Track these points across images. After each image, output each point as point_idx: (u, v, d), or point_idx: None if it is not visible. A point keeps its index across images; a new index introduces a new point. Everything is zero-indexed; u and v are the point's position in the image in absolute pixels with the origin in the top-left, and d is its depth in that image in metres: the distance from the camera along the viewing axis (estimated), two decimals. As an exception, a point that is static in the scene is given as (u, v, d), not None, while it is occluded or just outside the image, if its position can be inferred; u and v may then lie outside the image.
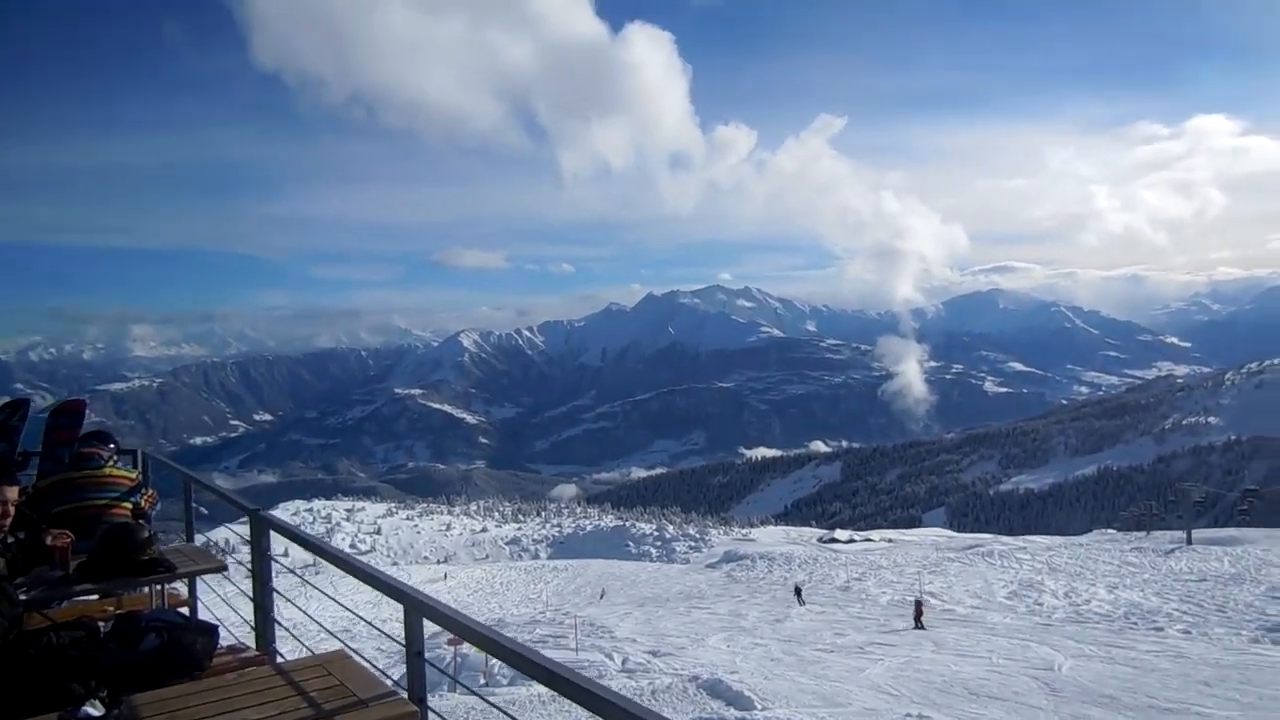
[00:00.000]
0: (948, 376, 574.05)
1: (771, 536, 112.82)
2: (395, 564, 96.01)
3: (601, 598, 54.40)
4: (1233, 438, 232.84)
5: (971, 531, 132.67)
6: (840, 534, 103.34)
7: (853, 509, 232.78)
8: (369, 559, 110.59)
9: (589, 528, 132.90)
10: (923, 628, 29.36)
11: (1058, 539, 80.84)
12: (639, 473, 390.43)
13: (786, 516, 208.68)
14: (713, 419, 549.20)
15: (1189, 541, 72.01)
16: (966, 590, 41.01)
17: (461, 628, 3.48)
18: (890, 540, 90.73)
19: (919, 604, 31.46)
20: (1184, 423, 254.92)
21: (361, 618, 7.07)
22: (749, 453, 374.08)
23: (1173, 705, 16.60)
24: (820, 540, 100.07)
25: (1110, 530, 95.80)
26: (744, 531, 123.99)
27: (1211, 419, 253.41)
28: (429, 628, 3.89)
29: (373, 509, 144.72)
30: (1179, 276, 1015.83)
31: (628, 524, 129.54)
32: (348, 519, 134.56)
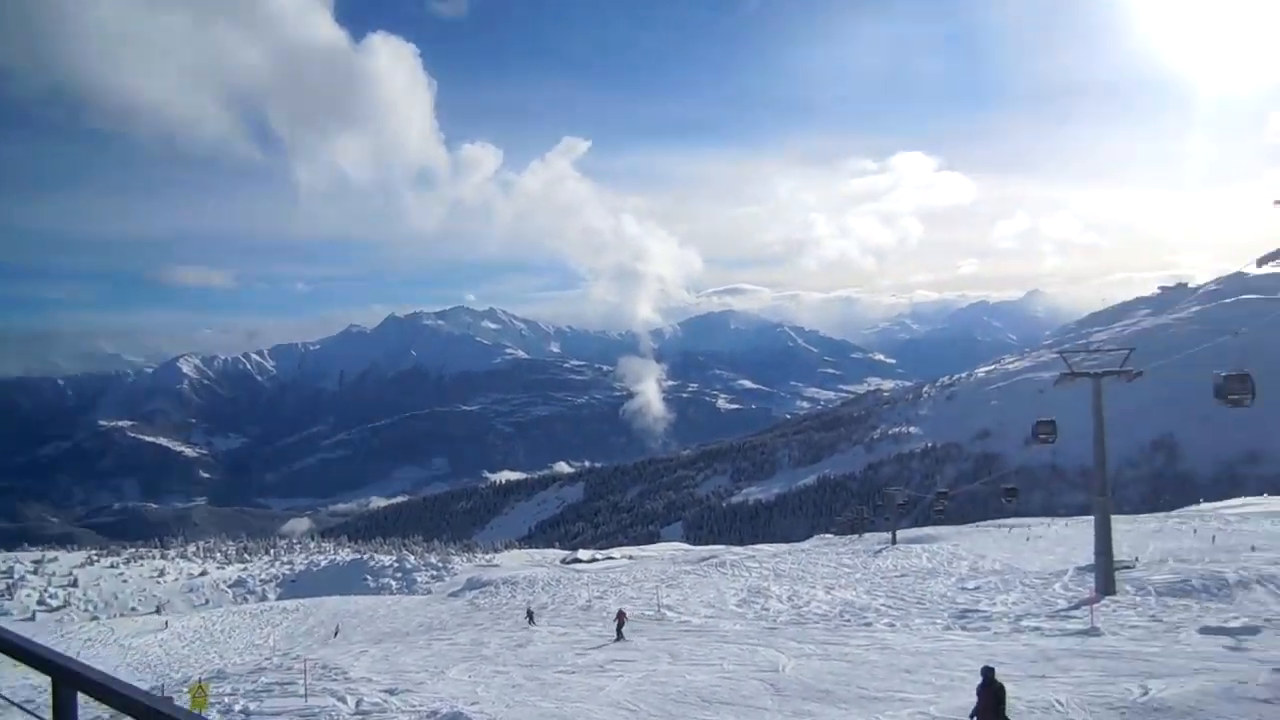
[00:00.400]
0: (684, 395, 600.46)
1: (515, 560, 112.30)
2: (95, 618, 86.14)
3: (336, 636, 51.65)
4: (929, 445, 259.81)
5: (707, 544, 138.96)
6: (583, 554, 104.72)
7: (595, 528, 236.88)
8: (59, 616, 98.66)
9: (323, 563, 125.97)
10: (622, 638, 30.30)
11: (783, 546, 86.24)
12: (379, 502, 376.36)
13: (531, 539, 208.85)
14: (457, 443, 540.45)
15: (894, 541, 79.20)
16: (701, 600, 42.58)
17: (123, 700, 2.69)
18: (631, 557, 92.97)
19: (621, 615, 32.28)
20: (890, 433, 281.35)
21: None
22: (493, 477, 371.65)
23: (880, 694, 17.94)
24: (563, 561, 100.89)
25: (829, 535, 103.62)
26: (488, 557, 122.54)
27: (912, 429, 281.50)
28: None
29: (68, 558, 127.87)
30: (885, 299, 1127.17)
31: (366, 557, 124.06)
32: (34, 572, 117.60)
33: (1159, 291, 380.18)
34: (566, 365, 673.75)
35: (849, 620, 31.80)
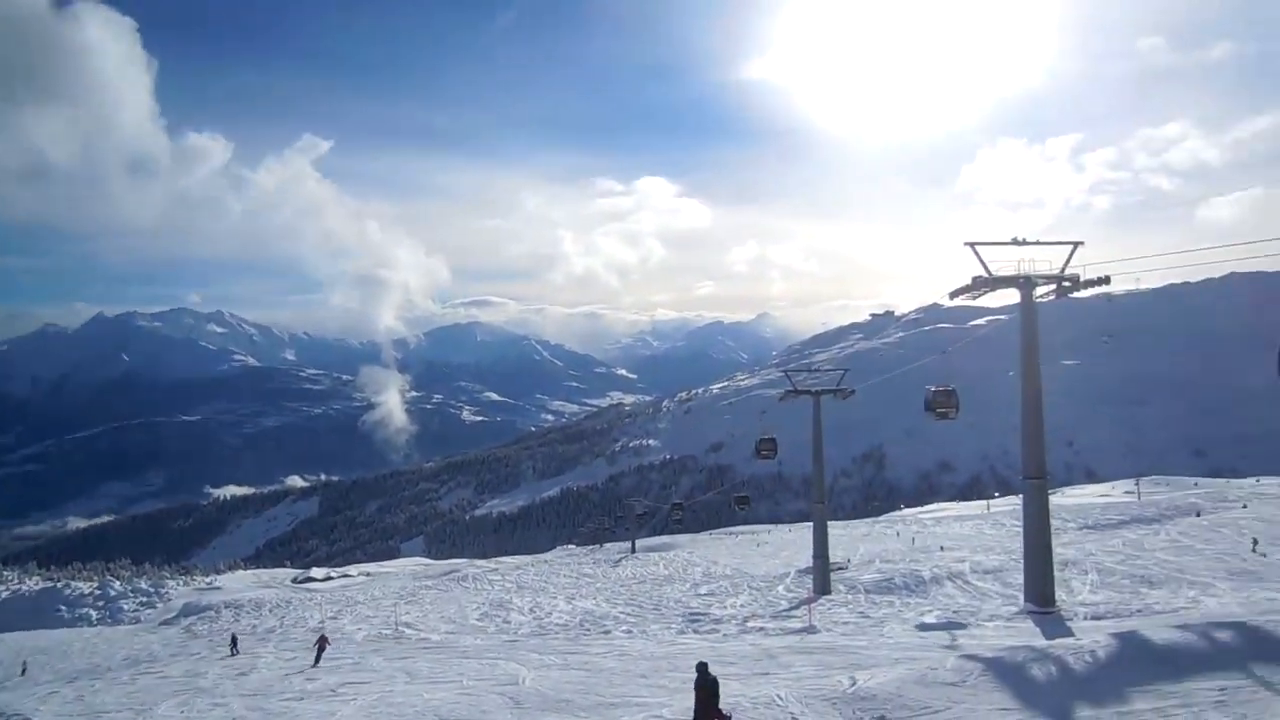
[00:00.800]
0: (428, 406, 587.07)
1: (240, 582, 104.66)
2: None
3: (22, 675, 45.83)
4: (667, 456, 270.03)
5: (449, 558, 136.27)
6: (317, 572, 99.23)
7: (331, 545, 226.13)
8: None
9: (4, 594, 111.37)
10: (317, 664, 29.28)
11: (526, 558, 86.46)
12: (79, 523, 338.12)
13: (259, 558, 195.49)
14: (175, 457, 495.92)
15: (633, 550, 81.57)
16: (441, 616, 41.72)
17: None
18: (368, 574, 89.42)
19: (322, 640, 30.98)
20: (631, 445, 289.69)
21: None
22: (216, 492, 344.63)
23: (617, 700, 18.35)
24: (294, 581, 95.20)
25: (571, 546, 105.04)
26: (208, 580, 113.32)
27: (651, 441, 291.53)
28: None
29: None
30: (628, 316, 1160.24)
31: (60, 585, 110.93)
32: None
33: (870, 318, 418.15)
34: (303, 374, 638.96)
35: (589, 629, 32.32)
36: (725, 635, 26.87)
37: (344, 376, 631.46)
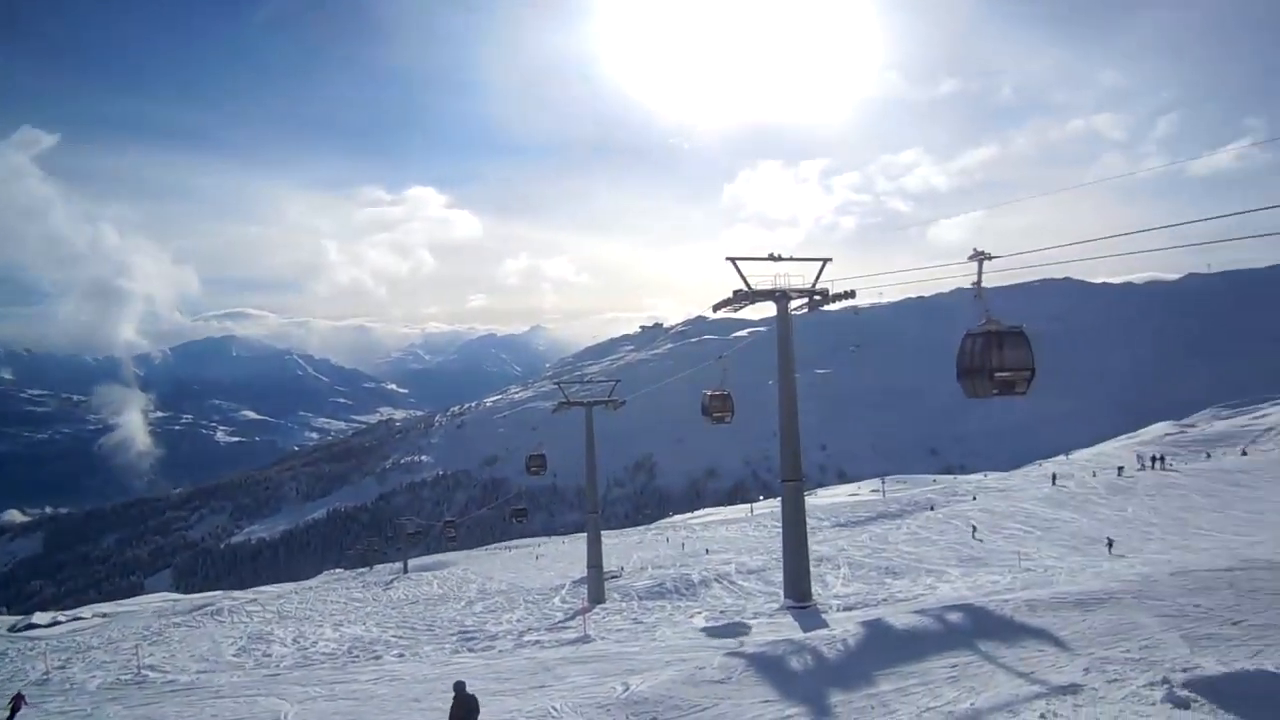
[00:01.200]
0: (176, 427, 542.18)
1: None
2: None
3: None
4: (440, 473, 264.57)
5: (201, 590, 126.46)
6: (40, 617, 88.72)
7: (59, 585, 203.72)
8: None
9: None
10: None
11: (289, 585, 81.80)
12: None
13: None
14: None
15: (405, 570, 79.21)
16: (191, 655, 38.64)
17: None
18: (105, 615, 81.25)
19: (17, 699, 27.80)
20: (401, 462, 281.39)
21: None
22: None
23: (388, 728, 17.73)
24: (12, 630, 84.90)
25: (338, 570, 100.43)
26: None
27: (424, 457, 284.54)
28: None
29: None
30: (398, 329, 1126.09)
31: None
32: None
33: (640, 330, 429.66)
34: (23, 394, 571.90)
35: (358, 656, 31.02)
36: (501, 651, 26.61)
37: (75, 397, 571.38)
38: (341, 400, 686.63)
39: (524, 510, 67.78)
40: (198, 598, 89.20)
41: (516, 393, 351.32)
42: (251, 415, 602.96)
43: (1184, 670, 12.35)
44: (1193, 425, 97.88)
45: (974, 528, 43.14)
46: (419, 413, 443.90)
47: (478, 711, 13.21)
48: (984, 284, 20.32)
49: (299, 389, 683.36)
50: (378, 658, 29.34)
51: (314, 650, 34.27)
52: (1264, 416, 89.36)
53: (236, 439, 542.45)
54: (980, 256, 19.68)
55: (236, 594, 78.58)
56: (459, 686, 13.45)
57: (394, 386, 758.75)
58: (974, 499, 59.47)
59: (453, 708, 13.25)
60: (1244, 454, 59.72)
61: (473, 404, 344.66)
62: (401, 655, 29.07)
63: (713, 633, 23.94)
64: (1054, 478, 62.37)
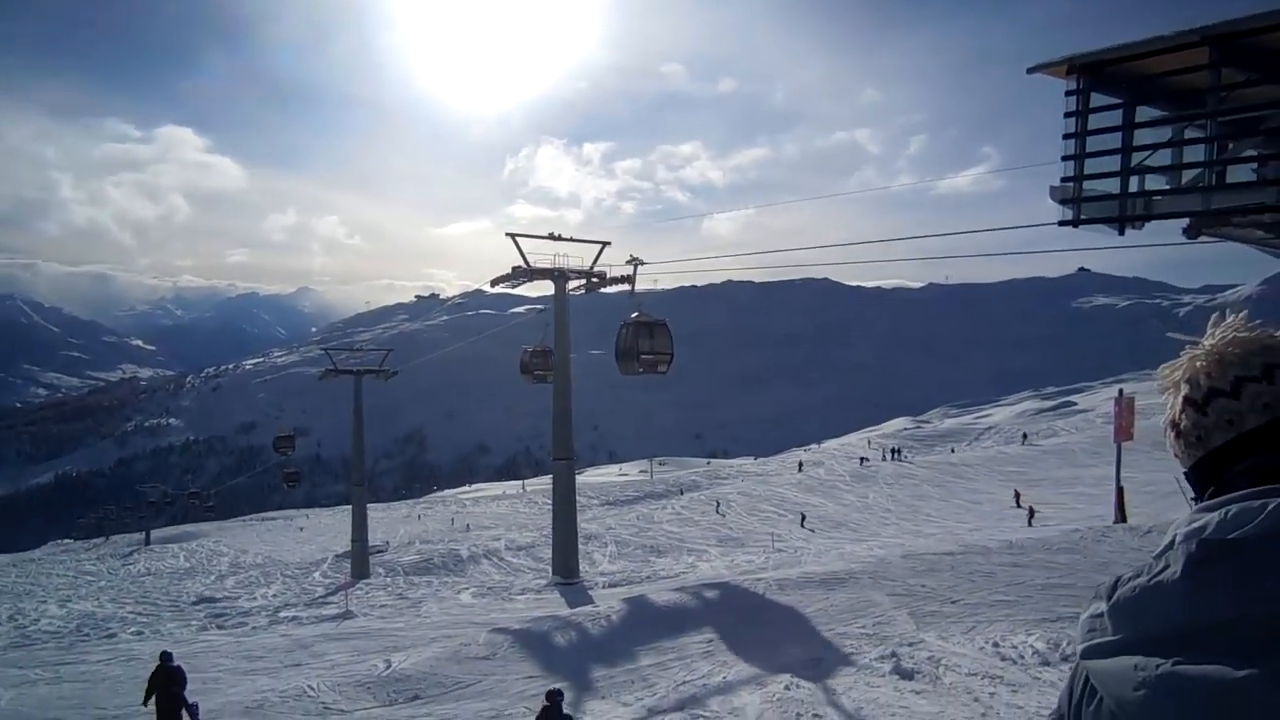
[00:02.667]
0: None
1: None
2: None
3: None
4: (192, 438, 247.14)
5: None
6: None
7: None
8: None
9: None
10: None
11: (5, 557, 73.81)
12: None
13: None
14: None
15: (148, 542, 73.64)
16: (-118, 634, 34.14)
17: None
18: None
19: None
20: (146, 424, 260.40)
21: None
22: None
23: (120, 711, 16.47)
24: None
25: (67, 540, 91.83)
26: None
27: (173, 420, 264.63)
28: None
29: None
30: (146, 280, 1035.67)
31: None
32: None
33: (416, 300, 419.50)
34: None
35: (88, 635, 28.52)
36: (254, 628, 25.37)
37: None
38: (76, 354, 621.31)
39: (296, 474, 63.67)
40: (-112, 570, 78.74)
41: (280, 356, 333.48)
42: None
43: (910, 645, 13.71)
44: (927, 421, 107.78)
45: (717, 504, 46.06)
46: (168, 373, 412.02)
47: (183, 684, 12.49)
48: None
49: (23, 338, 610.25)
50: (112, 636, 27.12)
51: (35, 629, 31.16)
52: (986, 416, 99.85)
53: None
54: (635, 261, 24.15)
55: (-64, 566, 70.08)
56: (165, 656, 12.73)
57: (139, 343, 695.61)
58: (741, 479, 62.70)
59: (152, 675, 12.51)
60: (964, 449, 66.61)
61: (230, 366, 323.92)
62: (140, 633, 27.03)
63: (479, 609, 23.97)
64: (800, 465, 67.02)
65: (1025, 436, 66.85)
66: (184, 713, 12.23)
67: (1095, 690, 1.04)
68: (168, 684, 12.25)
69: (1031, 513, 33.38)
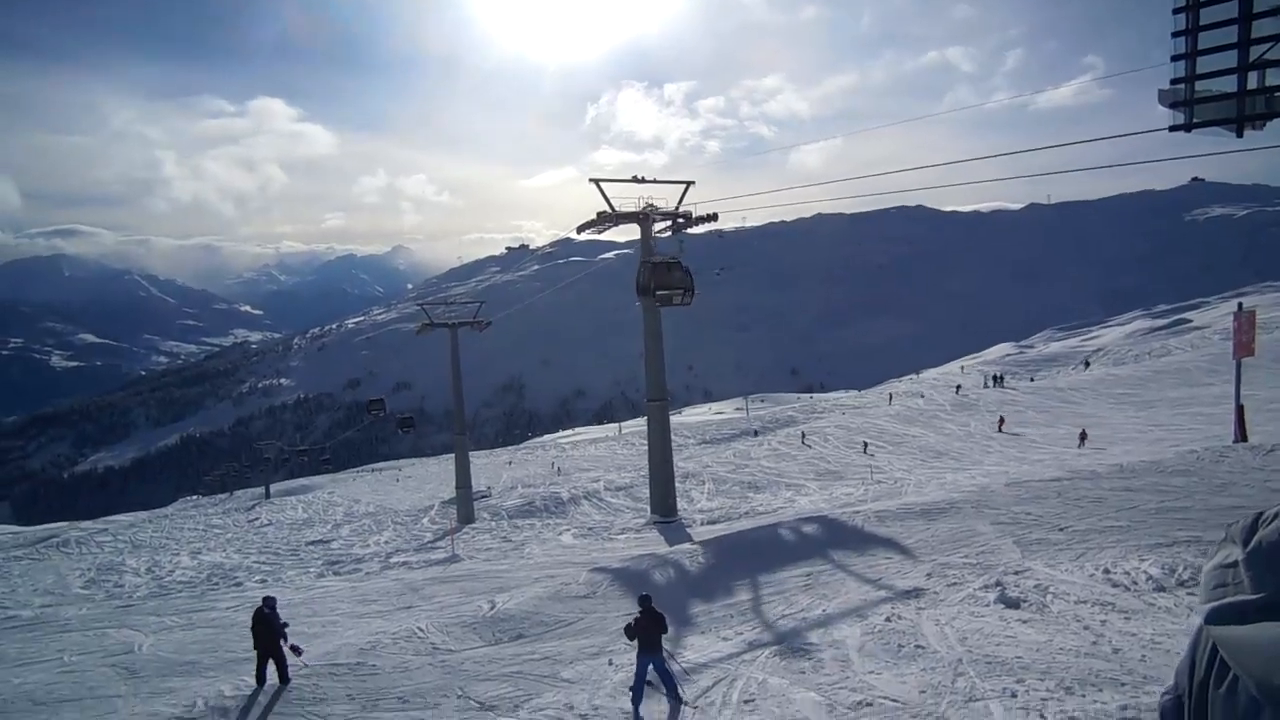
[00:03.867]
0: (5, 352, 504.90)
1: None
2: None
3: None
4: (301, 396, 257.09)
5: (44, 522, 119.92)
6: None
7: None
8: None
9: None
10: None
11: (142, 514, 78.45)
12: None
13: None
14: None
15: (268, 495, 77.17)
16: (34, 589, 36.80)
17: None
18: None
19: None
20: (259, 385, 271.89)
21: None
22: None
23: (248, 654, 17.39)
24: None
25: (195, 496, 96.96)
26: None
27: (283, 380, 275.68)
28: None
29: None
30: (250, 249, 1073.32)
31: None
32: None
33: (506, 251, 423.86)
34: None
35: (218, 584, 30.21)
36: (368, 574, 26.42)
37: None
38: (190, 322, 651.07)
39: (410, 419, 64.24)
40: (40, 529, 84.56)
41: (379, 314, 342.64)
42: (90, 339, 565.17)
43: (1015, 573, 13.38)
44: (1031, 346, 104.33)
45: (802, 435, 45.25)
46: (276, 335, 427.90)
47: (279, 628, 13.02)
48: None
49: (142, 310, 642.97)
50: (239, 584, 28.67)
51: (170, 580, 33.16)
52: (1094, 339, 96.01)
53: (74, 363, 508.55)
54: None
55: (84, 524, 74.85)
56: (266, 602, 13.39)
57: (248, 308, 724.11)
58: (842, 414, 61.99)
59: (254, 620, 13.20)
60: (1086, 365, 64.23)
61: (333, 326, 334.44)
62: (264, 581, 28.50)
63: (579, 549, 24.40)
64: (890, 397, 66.03)
65: (1137, 358, 64.12)
66: (287, 652, 12.84)
67: (1227, 667, 0.79)
68: (266, 628, 12.88)
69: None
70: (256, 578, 29.94)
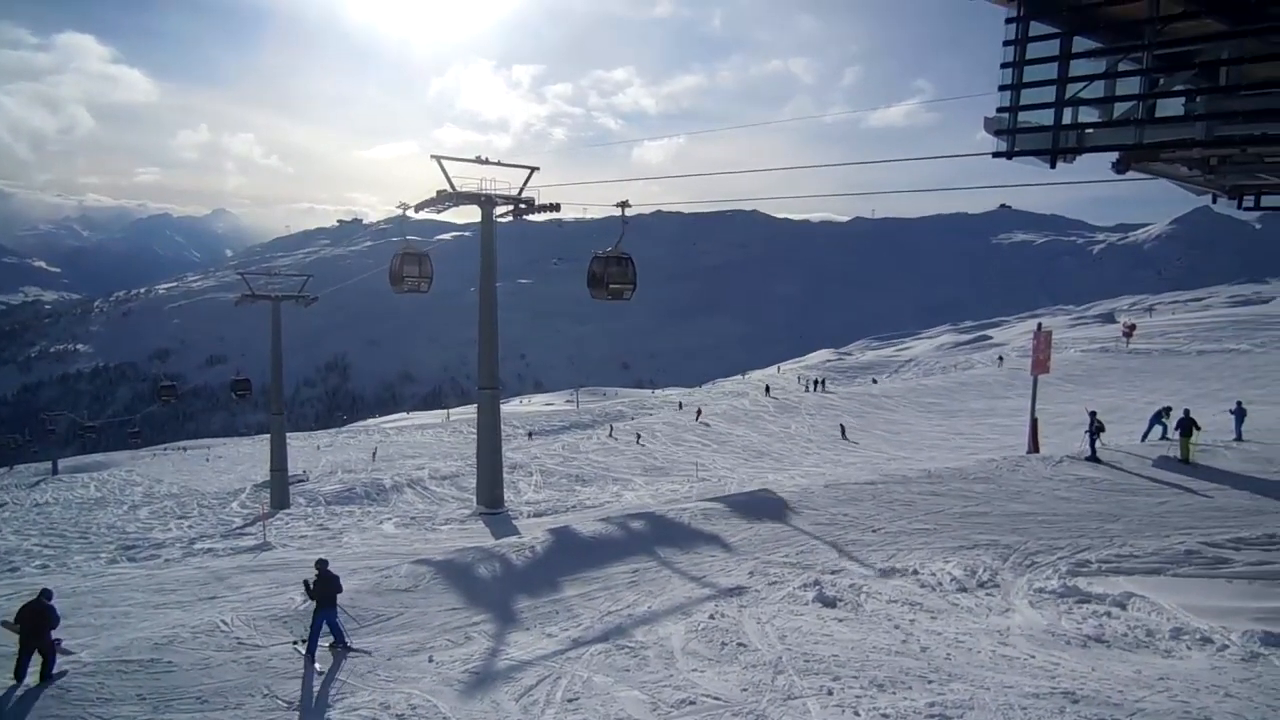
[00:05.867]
0: None
1: None
2: None
3: None
4: (101, 364, 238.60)
5: None
6: None
7: None
8: None
9: None
10: None
11: (-99, 487, 70.75)
12: None
13: None
14: None
15: (55, 471, 71.21)
16: None
17: None
18: None
19: None
20: (52, 350, 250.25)
21: None
22: None
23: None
24: None
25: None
26: None
27: (81, 346, 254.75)
28: None
29: None
30: (47, 198, 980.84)
31: None
32: None
33: (338, 224, 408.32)
34: None
35: (-10, 567, 27.53)
36: (168, 561, 24.67)
37: None
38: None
39: (246, 382, 57.17)
40: None
41: (195, 281, 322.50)
42: None
43: (832, 573, 13.90)
44: (849, 353, 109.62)
45: (638, 436, 46.25)
46: (75, 297, 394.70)
47: (54, 624, 11.72)
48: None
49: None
50: (14, 570, 26.17)
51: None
52: (907, 349, 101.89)
53: None
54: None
55: None
56: (43, 594, 12.00)
57: (42, 264, 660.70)
58: (681, 408, 63.02)
59: (20, 610, 11.76)
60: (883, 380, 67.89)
61: (141, 290, 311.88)
62: (45, 566, 26.13)
63: (401, 540, 23.67)
64: (698, 413, 68.02)
65: (943, 369, 68.44)
66: (53, 653, 11.60)
67: None
68: (39, 621, 11.56)
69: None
70: (37, 563, 27.42)
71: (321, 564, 12.76)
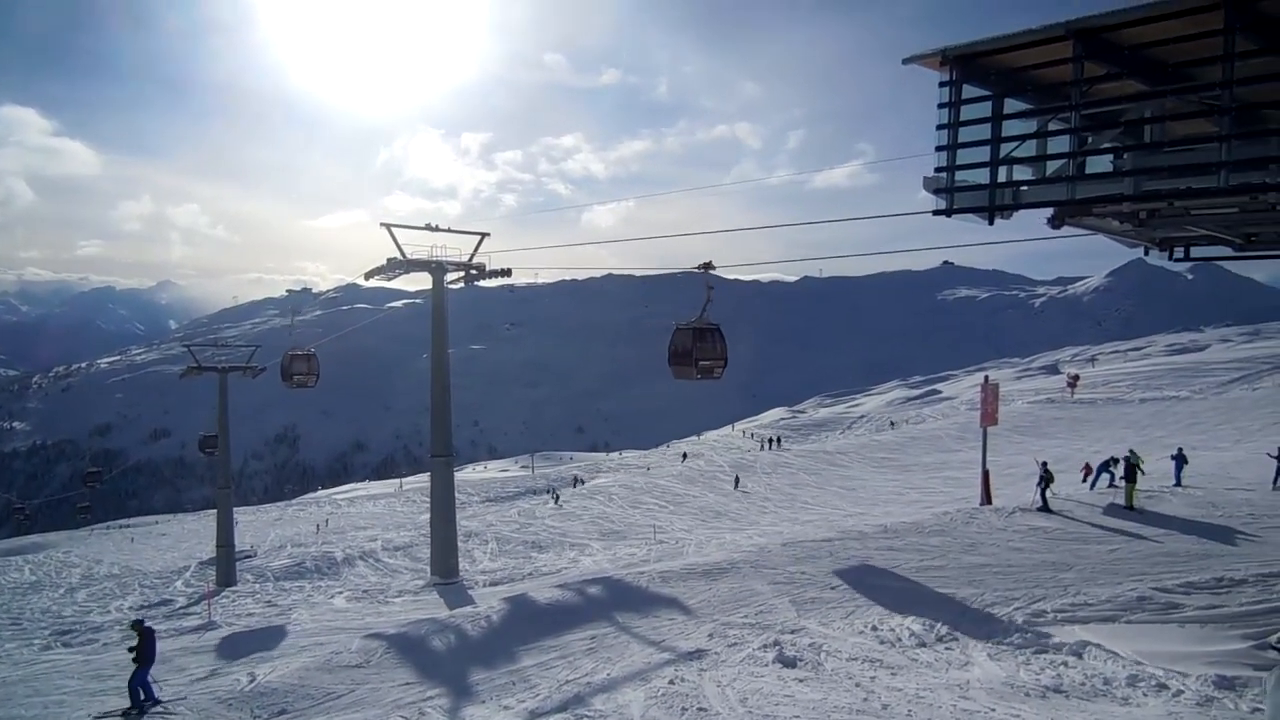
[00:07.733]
0: None
1: None
2: None
3: None
4: (39, 442, 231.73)
5: None
6: None
7: None
8: None
9: None
10: None
11: None
12: None
13: None
14: None
15: (-13, 555, 68.45)
16: None
17: None
18: None
19: None
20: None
21: None
22: None
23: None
24: None
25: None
26: None
27: (17, 424, 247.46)
28: None
29: None
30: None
31: None
32: None
33: (287, 294, 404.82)
34: None
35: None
36: (105, 644, 23.74)
37: None
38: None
39: (97, 473, 56.63)
40: None
41: (138, 354, 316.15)
42: None
43: (792, 632, 13.78)
44: (803, 411, 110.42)
45: (556, 495, 45.64)
46: (12, 372, 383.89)
47: None
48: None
49: None
50: (-58, 660, 24.98)
51: None
52: (858, 405, 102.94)
53: None
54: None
55: None
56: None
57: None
58: (629, 471, 62.68)
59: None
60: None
61: (83, 364, 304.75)
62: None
63: (353, 614, 23.08)
64: (684, 456, 67.71)
65: (892, 424, 69.21)
66: None
67: None
68: None
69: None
70: (-34, 650, 26.21)
71: (138, 624, 14.52)
